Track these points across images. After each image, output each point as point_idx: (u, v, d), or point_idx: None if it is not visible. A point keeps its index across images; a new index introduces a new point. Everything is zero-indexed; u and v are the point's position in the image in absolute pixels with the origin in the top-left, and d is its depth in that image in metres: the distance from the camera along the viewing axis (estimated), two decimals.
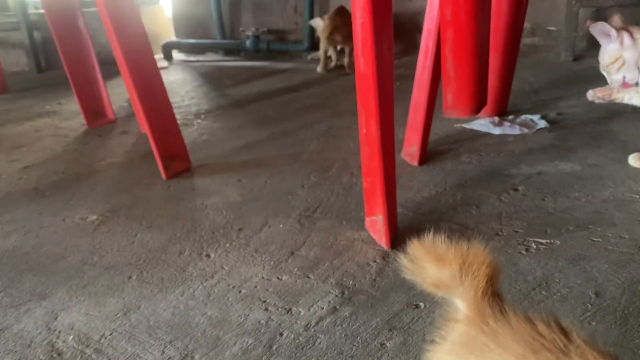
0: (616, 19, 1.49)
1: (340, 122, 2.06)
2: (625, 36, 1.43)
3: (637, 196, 1.32)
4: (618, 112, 1.89)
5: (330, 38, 2.79)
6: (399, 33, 3.03)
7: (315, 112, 2.22)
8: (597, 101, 1.52)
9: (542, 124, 1.86)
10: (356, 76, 1.10)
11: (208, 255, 1.21)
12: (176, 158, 1.73)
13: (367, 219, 1.26)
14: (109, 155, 1.91)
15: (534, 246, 1.15)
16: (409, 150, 1.67)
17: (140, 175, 1.69)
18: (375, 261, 1.13)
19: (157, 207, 1.47)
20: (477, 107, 1.52)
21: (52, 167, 1.81)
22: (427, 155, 1.66)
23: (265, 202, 1.45)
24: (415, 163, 1.63)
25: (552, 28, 2.91)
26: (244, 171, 1.67)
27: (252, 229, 1.31)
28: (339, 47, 2.88)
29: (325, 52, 2.84)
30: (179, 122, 2.19)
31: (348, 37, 2.83)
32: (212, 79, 3.01)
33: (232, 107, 2.41)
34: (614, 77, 1.47)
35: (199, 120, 2.23)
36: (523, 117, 1.95)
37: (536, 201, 1.35)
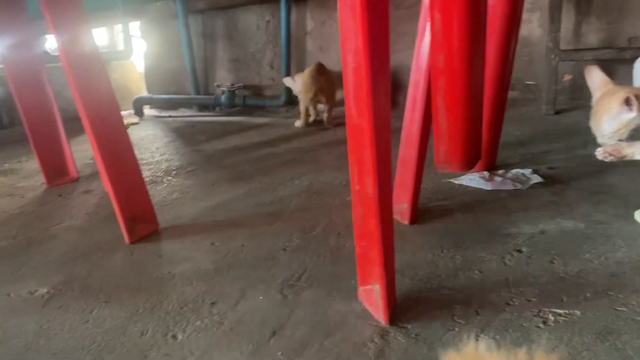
0: (597, 72, 1.41)
1: (322, 178, 1.93)
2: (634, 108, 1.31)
3: None
4: (610, 166, 1.81)
5: (314, 99, 2.72)
6: None
7: (295, 167, 2.09)
8: (608, 159, 1.41)
9: (536, 178, 1.76)
10: (347, 128, 0.97)
11: (175, 337, 1.03)
12: (142, 220, 1.56)
13: (361, 288, 1.10)
14: (67, 217, 1.73)
15: (552, 318, 1.01)
16: (399, 207, 1.54)
17: (101, 240, 1.51)
18: (373, 341, 0.97)
19: (118, 277, 1.29)
20: (472, 162, 1.40)
21: (2, 232, 1.61)
22: (417, 213, 1.53)
23: (242, 270, 1.29)
24: (406, 222, 1.50)
25: (531, 82, 2.90)
26: (217, 233, 1.51)
27: (226, 303, 1.14)
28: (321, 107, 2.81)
29: (307, 109, 2.76)
30: (147, 179, 2.03)
31: (331, 96, 2.76)
32: (185, 134, 2.88)
33: (205, 163, 2.26)
34: (612, 141, 1.36)
35: (170, 178, 2.07)
36: (514, 171, 1.85)
37: (544, 264, 1.22)
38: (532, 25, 2.81)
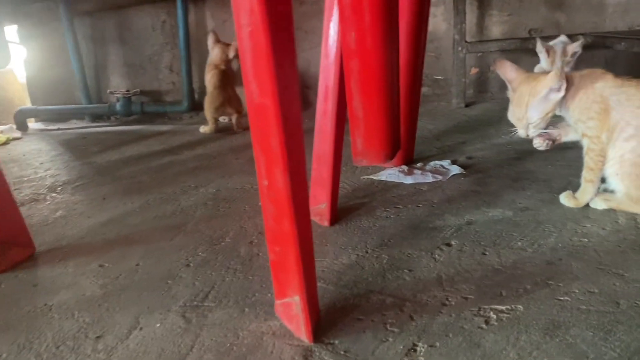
0: (508, 64, 1.35)
1: (230, 184, 1.74)
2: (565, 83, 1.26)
3: (586, 240, 1.14)
4: (527, 151, 1.78)
5: (220, 110, 2.52)
6: None
7: (200, 174, 1.89)
8: (542, 148, 1.35)
9: (455, 169, 1.68)
10: (249, 112, 0.81)
11: None
12: (13, 244, 1.30)
13: (278, 302, 0.94)
14: None
15: (494, 316, 0.90)
16: (317, 208, 1.39)
17: None
18: None
19: None
20: (392, 152, 1.28)
21: None
22: (337, 213, 1.39)
23: (136, 293, 1.08)
24: (325, 223, 1.35)
25: (439, 77, 2.88)
26: (107, 253, 1.28)
27: (115, 335, 0.93)
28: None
29: (215, 118, 2.56)
30: (27, 198, 1.76)
31: (239, 103, 2.57)
32: (75, 147, 2.57)
33: (97, 176, 2.00)
34: (541, 126, 1.30)
35: (54, 194, 1.79)
36: (432, 163, 1.77)
37: (477, 257, 1.12)
38: (437, 20, 2.80)
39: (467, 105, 2.62)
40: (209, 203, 1.57)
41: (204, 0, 2.94)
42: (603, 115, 1.22)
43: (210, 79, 2.56)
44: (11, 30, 3.16)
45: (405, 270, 1.08)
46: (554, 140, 1.34)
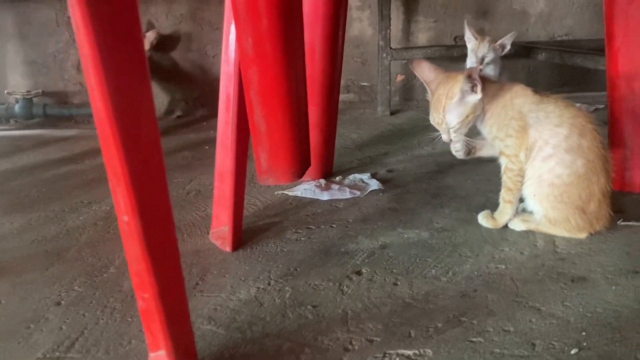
0: (425, 63, 1.28)
1: None
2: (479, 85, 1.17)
3: (503, 266, 1.07)
4: (448, 164, 1.71)
5: None
6: (206, 92, 2.67)
7: (98, 188, 1.69)
8: (461, 156, 1.26)
9: (374, 184, 1.59)
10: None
11: None
12: None
13: (151, 356, 0.79)
14: None
15: None
16: (219, 231, 1.25)
17: None
18: None
19: None
20: (300, 170, 1.16)
21: None
22: (242, 236, 1.25)
23: None
24: (227, 248, 1.21)
25: (365, 84, 2.80)
26: None
27: None
28: None
29: None
30: None
31: None
32: None
33: None
34: (462, 132, 1.21)
35: None
36: (352, 177, 1.67)
37: (387, 287, 1.02)
38: (364, 24, 2.72)
39: (392, 114, 2.55)
40: (100, 223, 1.39)
41: None
42: (522, 133, 1.16)
43: None
44: None
45: (308, 307, 0.96)
46: (470, 150, 1.26)
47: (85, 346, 0.87)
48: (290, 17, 0.98)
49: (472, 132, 1.24)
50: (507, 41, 1.92)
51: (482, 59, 1.91)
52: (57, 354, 0.86)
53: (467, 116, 1.16)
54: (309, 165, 1.19)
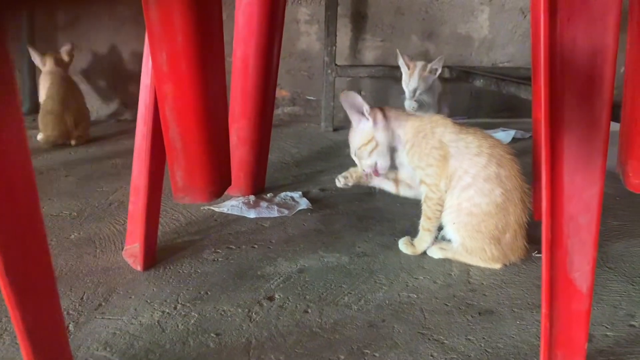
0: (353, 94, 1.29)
1: (47, 207, 1.49)
2: (379, 114, 1.23)
3: (415, 295, 1.06)
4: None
5: (59, 138, 2.16)
6: None
7: None
8: (347, 186, 1.37)
9: (304, 203, 1.57)
10: None
11: None
12: None
13: None
14: None
15: None
16: (132, 248, 1.20)
17: None
18: None
19: None
20: (219, 189, 1.12)
21: None
22: (155, 255, 1.20)
23: None
24: (138, 267, 1.16)
25: (312, 97, 2.80)
26: None
27: None
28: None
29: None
30: None
31: (84, 120, 2.25)
32: None
33: None
34: (365, 162, 1.26)
35: None
36: (283, 194, 1.64)
37: (297, 315, 0.99)
38: (311, 39, 2.72)
39: (335, 130, 2.55)
40: None
41: None
42: (442, 163, 1.16)
43: (45, 98, 2.20)
44: None
45: (212, 334, 0.93)
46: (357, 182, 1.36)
47: None
48: (208, 31, 0.95)
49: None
50: (436, 65, 1.94)
51: (414, 92, 1.93)
52: None
53: (364, 144, 1.24)
54: (229, 184, 1.16)
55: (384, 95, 2.77)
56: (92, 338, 0.91)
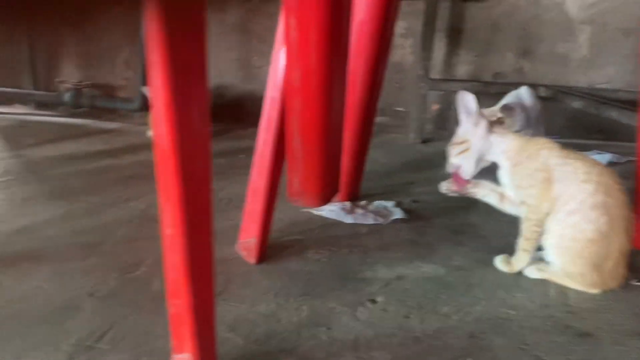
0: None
1: None
2: (483, 124, 1.28)
3: (513, 312, 1.11)
4: (473, 201, 1.74)
5: None
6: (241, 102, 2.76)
7: (135, 185, 1.79)
8: (450, 194, 1.40)
9: (398, 213, 1.64)
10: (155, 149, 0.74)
11: None
12: None
13: (174, 357, 0.86)
14: None
15: None
16: (246, 242, 1.32)
17: None
18: None
19: None
20: (329, 196, 1.23)
21: None
22: (267, 250, 1.32)
23: (26, 324, 0.98)
24: (252, 260, 1.28)
25: (401, 109, 2.86)
26: (8, 269, 1.17)
27: None
28: None
29: None
30: None
31: None
32: (8, 135, 2.43)
33: (25, 173, 1.87)
34: (451, 160, 1.33)
35: None
36: (376, 203, 1.72)
37: (399, 319, 1.07)
38: (405, 52, 2.78)
39: (423, 142, 2.60)
40: (135, 221, 1.48)
41: None
42: (545, 185, 1.19)
43: None
44: None
45: (323, 328, 1.02)
46: (465, 193, 1.40)
47: (114, 339, 0.95)
48: (338, 54, 1.04)
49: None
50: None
51: None
52: (88, 343, 0.93)
53: (462, 142, 1.30)
54: (337, 191, 1.26)
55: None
56: (218, 320, 1.01)
